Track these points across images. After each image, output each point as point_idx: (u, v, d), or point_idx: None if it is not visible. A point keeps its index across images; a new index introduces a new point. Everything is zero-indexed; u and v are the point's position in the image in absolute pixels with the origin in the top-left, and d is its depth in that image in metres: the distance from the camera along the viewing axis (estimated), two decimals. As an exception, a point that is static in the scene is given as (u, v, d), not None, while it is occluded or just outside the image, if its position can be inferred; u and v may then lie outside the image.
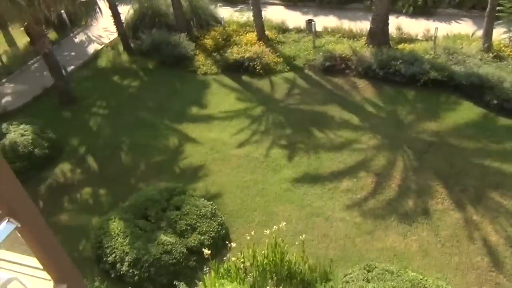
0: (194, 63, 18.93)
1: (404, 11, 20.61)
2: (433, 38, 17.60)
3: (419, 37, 18.73)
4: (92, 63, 20.28)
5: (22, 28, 20.27)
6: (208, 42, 19.68)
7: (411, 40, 18.63)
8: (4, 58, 20.57)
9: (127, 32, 20.72)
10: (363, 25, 19.57)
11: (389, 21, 18.03)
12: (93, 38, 22.36)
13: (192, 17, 21.06)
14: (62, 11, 20.07)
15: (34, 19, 15.37)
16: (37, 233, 4.51)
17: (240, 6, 23.59)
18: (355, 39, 18.97)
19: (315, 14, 21.74)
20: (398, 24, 19.27)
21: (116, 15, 19.68)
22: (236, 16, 22.04)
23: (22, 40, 22.15)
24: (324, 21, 20.78)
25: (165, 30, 19.85)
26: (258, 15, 19.20)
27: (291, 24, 20.86)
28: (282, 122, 15.21)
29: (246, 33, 20.08)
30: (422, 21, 19.87)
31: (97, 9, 19.46)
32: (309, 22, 19.89)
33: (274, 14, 21.90)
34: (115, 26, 20.06)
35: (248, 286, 8.68)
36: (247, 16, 21.11)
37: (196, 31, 20.64)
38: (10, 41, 22.37)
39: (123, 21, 20.42)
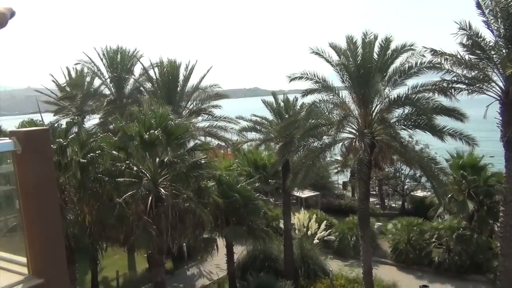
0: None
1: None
2: None
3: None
4: (196, 300, 20.71)
5: (145, 255, 22.26)
6: (313, 293, 19.19)
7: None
8: (121, 280, 22.13)
9: (236, 272, 21.37)
10: (487, 300, 17.68)
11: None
12: (204, 272, 23.43)
13: (301, 265, 21.27)
14: (184, 244, 21.97)
15: (158, 248, 16.77)
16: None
17: (350, 261, 23.46)
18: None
19: (431, 280, 20.48)
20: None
21: (230, 254, 20.78)
22: (345, 270, 21.75)
23: (141, 265, 24.10)
24: (441, 289, 19.32)
25: (273, 275, 20.05)
26: (368, 273, 18.65)
27: (403, 287, 19.69)
28: None
29: (353, 291, 19.33)
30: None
31: (215, 246, 20.76)
32: (423, 288, 18.67)
33: (386, 274, 21.14)
34: (226, 264, 20.96)
35: None
36: (357, 272, 20.69)
37: (303, 280, 20.50)
38: (131, 265, 24.45)
39: (235, 260, 21.35)
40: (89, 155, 14.87)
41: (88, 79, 32.36)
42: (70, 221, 13.87)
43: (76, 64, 31.05)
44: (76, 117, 24.41)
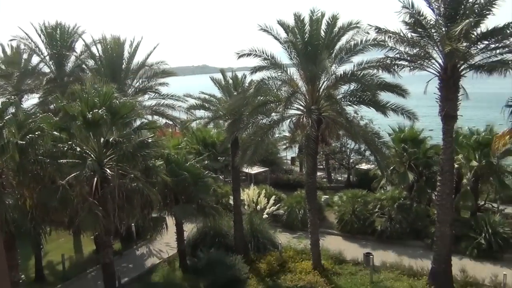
0: (245, 287, 18.52)
1: (467, 253, 19.91)
2: (502, 285, 16.36)
3: (486, 282, 17.44)
4: (146, 277, 20.50)
5: (92, 237, 21.73)
6: (263, 266, 19.62)
7: (477, 285, 17.43)
8: (67, 264, 21.55)
9: (187, 249, 21.39)
10: (424, 264, 18.87)
11: (452, 263, 17.30)
12: (154, 252, 23.23)
13: (251, 239, 21.62)
14: (132, 224, 21.64)
15: (105, 229, 16.34)
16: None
17: (299, 233, 24.12)
18: (416, 278, 18.07)
19: (374, 248, 21.50)
20: (462, 266, 18.35)
21: (179, 232, 20.73)
22: (294, 242, 22.34)
23: (88, 248, 23.49)
24: (383, 256, 20.38)
25: (223, 250, 20.26)
26: (315, 244, 19.34)
27: (348, 255, 20.61)
28: None
29: (302, 261, 19.93)
30: (488, 265, 19.03)
31: (165, 225, 20.59)
32: (367, 255, 19.60)
33: (332, 244, 21.97)
34: (176, 242, 20.92)
35: None
36: (305, 243, 21.33)
37: (253, 254, 20.87)
38: (78, 248, 23.80)
39: (185, 238, 21.33)
40: (28, 137, 14.11)
41: (25, 56, 30.60)
42: (9, 206, 13.26)
43: (11, 40, 29.13)
44: (12, 96, 22.98)
